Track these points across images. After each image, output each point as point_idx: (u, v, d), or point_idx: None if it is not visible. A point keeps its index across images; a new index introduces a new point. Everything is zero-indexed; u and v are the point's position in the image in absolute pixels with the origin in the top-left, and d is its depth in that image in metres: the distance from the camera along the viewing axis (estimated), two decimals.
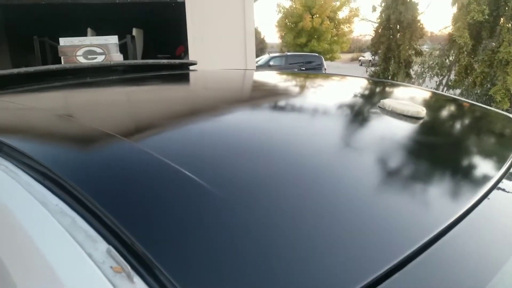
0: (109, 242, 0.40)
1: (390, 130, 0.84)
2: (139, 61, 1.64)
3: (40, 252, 0.41)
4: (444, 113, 1.18)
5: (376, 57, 10.27)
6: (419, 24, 9.11)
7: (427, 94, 1.46)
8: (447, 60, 8.37)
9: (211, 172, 0.53)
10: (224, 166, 0.56)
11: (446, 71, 8.42)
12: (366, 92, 1.32)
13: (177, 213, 0.44)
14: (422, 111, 0.92)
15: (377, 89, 1.39)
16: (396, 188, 0.58)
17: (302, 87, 1.35)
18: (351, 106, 1.05)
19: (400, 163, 0.67)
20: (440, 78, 8.44)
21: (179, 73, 1.70)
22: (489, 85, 6.94)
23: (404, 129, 0.86)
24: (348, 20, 20.81)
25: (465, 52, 6.76)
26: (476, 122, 1.09)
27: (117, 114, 0.89)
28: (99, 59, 4.69)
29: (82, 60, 4.66)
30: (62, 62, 4.54)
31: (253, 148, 0.64)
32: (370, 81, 1.92)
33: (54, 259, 0.40)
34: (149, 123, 0.80)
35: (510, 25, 6.25)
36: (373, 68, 10.00)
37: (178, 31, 5.75)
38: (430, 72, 8.80)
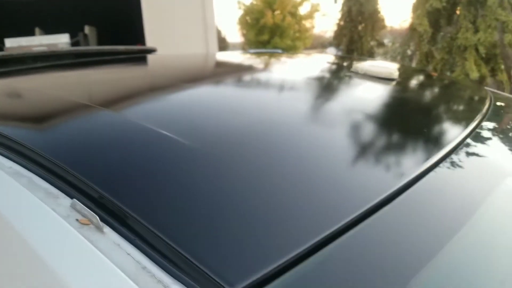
0: (72, 197, 0.40)
1: (363, 92, 0.84)
2: (96, 47, 1.56)
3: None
4: (412, 77, 1.20)
5: (340, 52, 10.40)
6: (379, 15, 9.24)
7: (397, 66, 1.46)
8: (409, 50, 8.53)
9: (166, 121, 0.54)
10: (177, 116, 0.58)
11: (407, 61, 8.57)
12: (338, 64, 1.32)
13: (140, 162, 0.44)
14: (395, 73, 0.91)
15: (350, 62, 1.38)
16: (363, 147, 0.56)
17: (277, 64, 1.33)
18: (325, 74, 1.06)
19: (371, 124, 0.65)
20: None
21: (144, 56, 1.72)
22: (449, 72, 7.09)
23: (377, 90, 0.85)
24: (309, 16, 20.97)
25: (425, 40, 6.86)
26: (445, 89, 1.11)
27: (63, 82, 0.92)
28: None
29: None
30: None
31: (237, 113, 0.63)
32: (343, 57, 1.99)
33: (14, 217, 0.40)
34: (100, 87, 0.82)
35: (466, 11, 6.38)
36: None
37: (134, 28, 5.51)
38: (393, 62, 8.95)
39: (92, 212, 0.37)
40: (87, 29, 5.15)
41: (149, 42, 5.24)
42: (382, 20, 9.41)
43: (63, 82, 0.98)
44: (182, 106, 0.65)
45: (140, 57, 1.66)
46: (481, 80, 6.54)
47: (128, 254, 0.33)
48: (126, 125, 0.53)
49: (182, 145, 0.47)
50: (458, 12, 6.65)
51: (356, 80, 0.91)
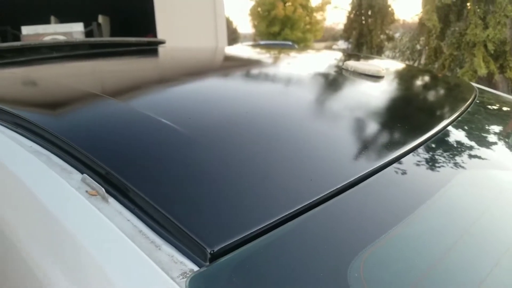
0: (83, 173, 0.47)
1: (349, 88, 0.91)
2: (108, 38, 1.63)
3: (22, 182, 0.49)
4: (402, 74, 1.25)
5: (350, 45, 10.34)
6: (390, 9, 9.22)
7: (390, 63, 1.53)
8: (418, 45, 8.51)
9: (164, 108, 0.62)
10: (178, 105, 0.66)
11: (417, 56, 8.56)
12: (334, 60, 1.36)
13: (139, 145, 0.51)
14: (382, 71, 0.97)
15: (347, 58, 1.43)
16: (348, 131, 0.66)
17: (275, 58, 1.38)
18: (318, 70, 1.11)
19: (358, 116, 0.72)
20: (412, 63, 8.59)
21: (154, 48, 1.78)
22: (457, 69, 7.09)
23: (363, 86, 0.91)
24: (320, 8, 20.83)
25: (434, 35, 6.86)
26: (430, 85, 1.17)
27: (77, 72, 1.01)
28: None
29: None
30: None
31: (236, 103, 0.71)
32: (343, 53, 2.00)
33: (36, 187, 0.47)
34: (110, 80, 0.90)
35: (476, 7, 6.37)
36: None
37: (146, 19, 5.60)
38: (402, 57, 8.93)
39: (99, 185, 0.44)
40: (100, 19, 5.25)
41: (160, 32, 5.33)
42: (392, 14, 9.39)
43: (77, 72, 1.05)
44: (178, 97, 0.73)
45: (148, 49, 1.72)
46: (490, 77, 6.54)
47: (128, 220, 0.40)
48: (128, 114, 0.60)
49: (172, 130, 0.53)
50: (468, 7, 6.64)
51: (344, 77, 0.98)
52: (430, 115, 0.82)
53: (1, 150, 0.56)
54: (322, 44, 27.06)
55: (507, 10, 5.83)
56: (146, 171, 0.45)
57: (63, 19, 5.18)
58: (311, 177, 0.48)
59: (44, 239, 0.44)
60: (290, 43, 15.98)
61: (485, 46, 6.24)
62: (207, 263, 0.34)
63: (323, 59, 1.38)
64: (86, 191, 0.44)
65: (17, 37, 4.64)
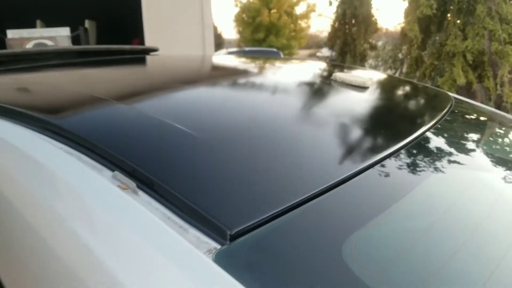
0: (113, 170, 0.52)
1: (339, 97, 0.99)
2: (103, 46, 1.66)
3: (60, 177, 0.54)
4: (386, 85, 1.33)
5: (334, 53, 10.48)
6: (373, 18, 9.43)
7: (376, 74, 1.60)
8: (400, 54, 8.72)
9: (178, 114, 0.69)
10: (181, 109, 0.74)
11: (399, 64, 8.77)
12: (322, 70, 1.43)
13: (164, 145, 0.57)
14: (368, 82, 1.03)
15: (333, 68, 1.50)
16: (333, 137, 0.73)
17: (264, 67, 1.44)
18: (308, 79, 1.19)
19: (347, 122, 0.79)
20: (393, 71, 8.79)
21: (153, 56, 1.82)
22: (438, 78, 7.31)
23: (351, 96, 0.98)
24: (305, 16, 21.09)
25: (415, 45, 7.06)
26: (410, 95, 1.24)
27: (99, 83, 1.05)
28: None
29: None
30: None
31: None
32: (329, 64, 2.07)
33: (70, 179, 0.52)
34: (120, 89, 0.95)
35: (456, 19, 6.59)
36: None
37: (133, 24, 5.61)
38: (384, 65, 9.13)
39: (130, 180, 0.49)
40: (87, 23, 5.24)
41: (148, 38, 5.35)
42: (376, 23, 9.61)
43: (96, 80, 1.09)
44: (187, 103, 0.81)
45: (141, 57, 1.76)
46: (468, 86, 6.76)
47: (157, 209, 0.46)
48: (151, 121, 0.66)
49: (188, 133, 0.61)
50: (448, 19, 6.87)
51: (334, 87, 1.05)
52: (410, 122, 0.88)
53: (37, 150, 0.60)
54: (307, 51, 27.28)
55: (486, 22, 6.05)
56: (170, 167, 0.52)
57: (49, 24, 5.14)
58: (314, 170, 0.57)
59: (86, 228, 0.48)
60: (275, 50, 16.08)
61: (464, 56, 6.45)
62: (228, 242, 0.41)
63: (313, 70, 1.44)
64: (118, 186, 0.49)
65: (2, 41, 4.58)
